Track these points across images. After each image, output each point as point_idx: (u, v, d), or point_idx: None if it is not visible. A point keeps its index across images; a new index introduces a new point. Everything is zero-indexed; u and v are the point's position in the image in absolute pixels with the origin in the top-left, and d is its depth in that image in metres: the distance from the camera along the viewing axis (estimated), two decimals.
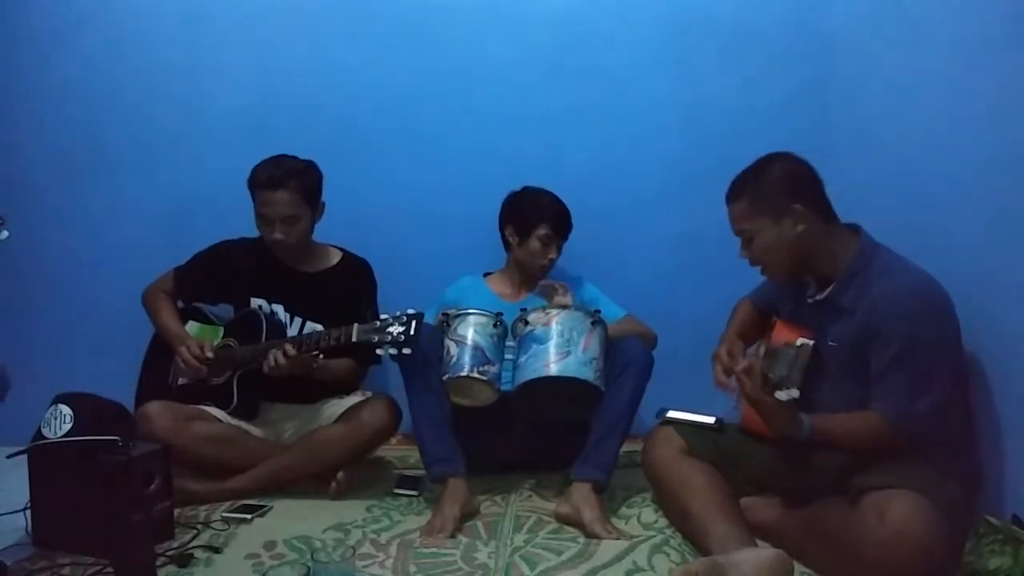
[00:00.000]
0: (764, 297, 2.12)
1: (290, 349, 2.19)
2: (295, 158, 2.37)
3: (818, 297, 1.85)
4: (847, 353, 1.76)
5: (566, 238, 2.54)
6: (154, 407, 2.19)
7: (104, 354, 2.71)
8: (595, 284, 2.60)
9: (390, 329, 2.09)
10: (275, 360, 2.18)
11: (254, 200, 2.33)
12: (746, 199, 1.83)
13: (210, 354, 2.28)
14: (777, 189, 1.80)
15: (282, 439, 2.40)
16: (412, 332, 2.08)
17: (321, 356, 2.32)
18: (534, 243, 2.49)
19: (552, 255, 2.50)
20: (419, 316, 2.11)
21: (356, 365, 2.45)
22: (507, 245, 2.58)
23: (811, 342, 1.55)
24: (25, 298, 2.87)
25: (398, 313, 2.13)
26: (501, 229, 2.58)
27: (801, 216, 1.78)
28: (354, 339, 2.15)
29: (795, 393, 1.52)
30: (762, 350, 1.68)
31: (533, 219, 2.49)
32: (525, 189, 2.56)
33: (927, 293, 1.73)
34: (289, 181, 2.29)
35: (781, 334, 1.85)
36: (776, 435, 1.76)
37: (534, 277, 2.57)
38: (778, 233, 1.80)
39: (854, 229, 1.84)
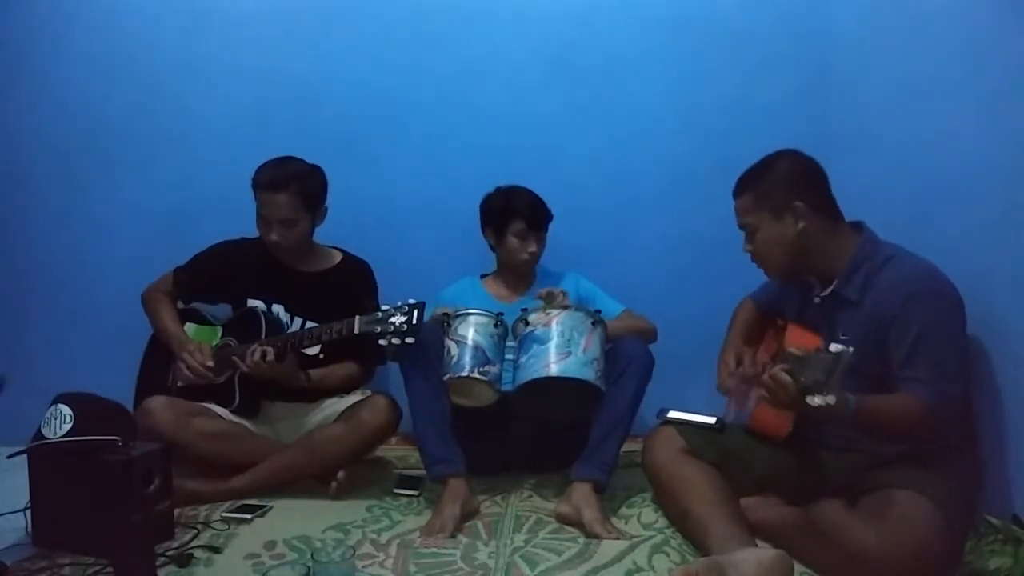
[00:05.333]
0: (768, 297, 2.12)
1: (269, 353, 2.19)
2: (300, 161, 2.37)
3: (824, 294, 1.85)
4: (858, 345, 1.73)
5: (545, 230, 2.53)
6: (157, 402, 2.19)
7: (104, 354, 2.70)
8: (593, 282, 2.60)
9: (392, 319, 2.09)
10: (252, 358, 2.18)
11: (256, 199, 2.33)
12: (750, 194, 1.86)
13: (211, 362, 2.28)
14: (780, 186, 1.82)
15: (282, 438, 2.39)
16: (415, 321, 2.08)
17: (320, 355, 2.33)
18: (511, 240, 2.49)
19: (532, 248, 2.50)
20: (421, 305, 2.11)
21: (360, 368, 2.45)
22: (491, 248, 2.59)
23: (850, 349, 1.50)
24: (25, 298, 2.87)
25: (400, 303, 2.12)
26: (482, 233, 2.58)
27: (802, 214, 1.79)
28: (356, 331, 2.15)
29: (831, 400, 1.49)
30: (789, 351, 1.63)
31: (505, 216, 2.49)
32: (497, 189, 2.56)
33: (936, 277, 1.73)
34: (290, 185, 2.29)
35: (794, 337, 1.83)
36: (822, 423, 1.73)
37: (524, 275, 2.58)
38: (778, 229, 1.82)
39: (857, 226, 1.85)
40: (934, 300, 1.70)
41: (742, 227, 1.90)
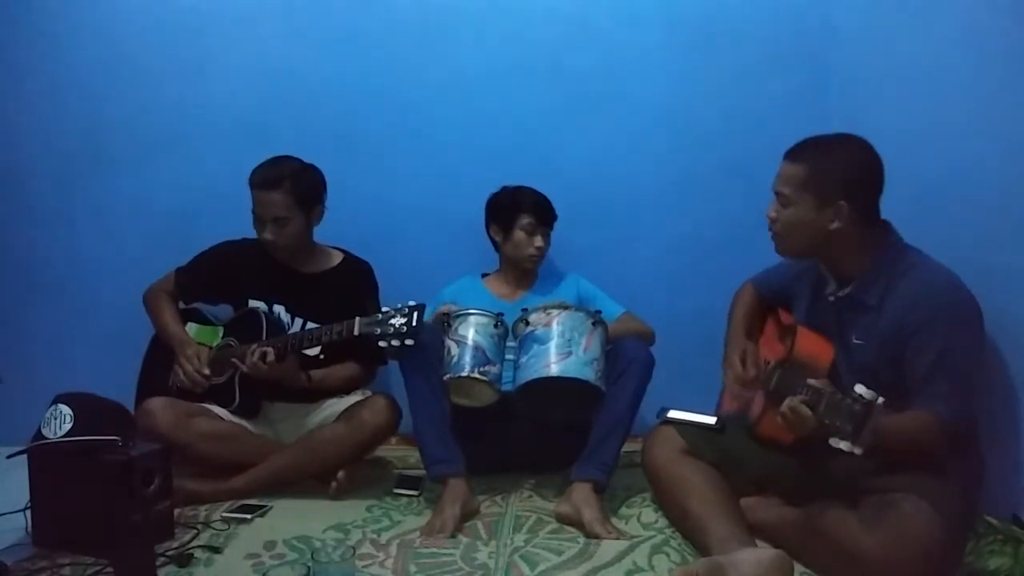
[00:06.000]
0: (771, 285, 2.09)
1: (269, 354, 2.20)
2: (295, 160, 2.37)
3: (839, 294, 1.81)
4: (874, 352, 1.72)
5: (551, 227, 2.55)
6: (157, 402, 2.20)
7: (104, 354, 2.70)
8: (593, 283, 2.60)
9: (392, 321, 2.09)
10: (252, 359, 2.20)
11: (251, 198, 2.33)
12: (802, 167, 1.75)
13: (207, 371, 2.29)
14: (835, 177, 1.72)
15: (283, 438, 2.39)
16: (414, 323, 2.08)
17: (321, 356, 2.33)
18: (518, 234, 2.50)
19: (539, 243, 2.51)
20: (421, 307, 2.11)
21: (361, 369, 2.45)
22: (496, 245, 2.59)
23: (880, 399, 1.43)
24: (25, 298, 2.86)
25: (399, 305, 2.13)
26: (487, 231, 2.59)
27: (843, 214, 1.72)
28: (356, 332, 2.15)
29: (858, 451, 1.44)
30: (809, 383, 1.57)
31: (513, 211, 2.51)
32: (503, 188, 2.57)
33: (961, 289, 1.70)
34: (283, 183, 2.29)
35: (805, 343, 1.80)
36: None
37: (527, 273, 2.58)
38: (812, 217, 1.74)
39: (884, 226, 1.80)
40: (958, 314, 1.67)
41: (776, 192, 1.79)
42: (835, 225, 1.73)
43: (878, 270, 1.74)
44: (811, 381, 1.57)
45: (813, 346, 1.79)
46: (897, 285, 1.72)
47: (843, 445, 1.45)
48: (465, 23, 2.75)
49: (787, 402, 1.60)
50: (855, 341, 1.77)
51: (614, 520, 2.07)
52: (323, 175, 2.41)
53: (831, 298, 1.84)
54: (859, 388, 1.46)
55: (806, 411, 1.54)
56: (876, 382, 1.67)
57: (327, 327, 2.21)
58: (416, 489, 2.31)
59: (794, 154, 1.79)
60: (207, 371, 2.29)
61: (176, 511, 2.00)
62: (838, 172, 1.74)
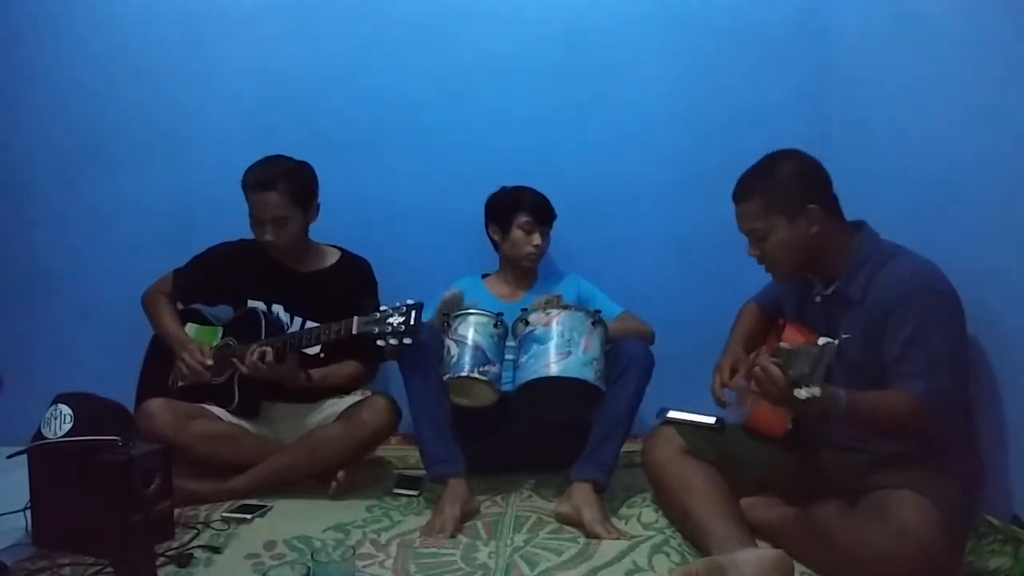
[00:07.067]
0: (770, 298, 2.11)
1: (268, 354, 2.20)
2: (287, 159, 2.37)
3: (825, 292, 1.84)
4: (860, 345, 1.74)
5: (549, 225, 2.56)
6: (156, 404, 2.20)
7: (104, 354, 2.71)
8: (593, 283, 2.61)
9: (390, 320, 2.09)
10: (251, 359, 2.20)
11: (247, 201, 2.33)
12: (759, 198, 1.80)
13: (210, 361, 2.29)
14: (792, 188, 1.78)
15: (283, 438, 2.39)
16: (412, 322, 2.08)
17: (321, 355, 2.32)
18: (515, 233, 2.51)
19: (536, 242, 2.52)
20: (419, 306, 2.12)
21: (361, 367, 2.45)
22: (495, 245, 2.60)
23: (835, 341, 1.53)
24: (25, 298, 2.87)
25: (398, 304, 2.13)
26: (486, 230, 2.60)
27: (816, 216, 1.77)
28: (354, 331, 2.15)
29: (816, 391, 1.49)
30: (780, 346, 1.64)
31: (510, 210, 2.52)
32: (502, 188, 2.59)
33: (934, 274, 1.73)
34: (278, 183, 2.29)
35: (791, 336, 1.83)
36: (816, 420, 1.73)
37: (527, 272, 2.59)
38: (793, 233, 1.78)
39: (857, 224, 1.84)
40: (930, 296, 1.69)
41: (748, 233, 1.85)
42: (814, 229, 1.77)
43: (860, 264, 1.78)
44: (782, 344, 1.61)
45: (799, 336, 1.81)
46: (877, 276, 1.75)
47: (803, 392, 1.50)
48: (465, 23, 2.75)
49: (759, 362, 1.63)
50: (843, 336, 1.78)
51: (614, 520, 2.07)
52: (315, 172, 2.41)
53: (818, 299, 1.87)
54: (821, 340, 1.53)
55: (775, 369, 1.57)
56: (865, 377, 1.71)
57: (326, 326, 2.22)
58: (416, 489, 2.31)
59: (742, 193, 1.84)
60: (210, 361, 2.29)
61: (176, 511, 2.00)
62: (790, 182, 1.79)
